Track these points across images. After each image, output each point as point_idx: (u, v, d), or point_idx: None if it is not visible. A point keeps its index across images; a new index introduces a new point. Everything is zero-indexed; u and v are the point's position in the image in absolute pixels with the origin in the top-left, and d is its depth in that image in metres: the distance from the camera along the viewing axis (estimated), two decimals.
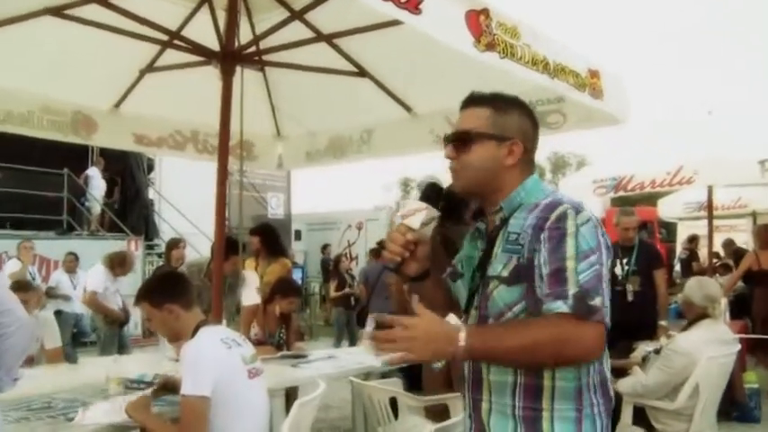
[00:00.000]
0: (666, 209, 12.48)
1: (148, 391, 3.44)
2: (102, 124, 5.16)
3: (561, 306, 1.62)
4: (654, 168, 7.16)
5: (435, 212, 1.89)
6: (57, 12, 4.04)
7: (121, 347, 7.98)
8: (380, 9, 2.50)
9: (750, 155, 6.78)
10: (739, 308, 8.55)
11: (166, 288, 3.26)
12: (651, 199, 12.65)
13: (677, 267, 14.39)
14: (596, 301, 1.63)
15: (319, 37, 4.43)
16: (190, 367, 2.88)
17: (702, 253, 13.78)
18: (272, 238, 6.42)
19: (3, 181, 14.20)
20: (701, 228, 14.02)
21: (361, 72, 4.74)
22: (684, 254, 13.38)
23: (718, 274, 9.77)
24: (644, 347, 5.00)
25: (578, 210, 1.72)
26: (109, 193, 15.98)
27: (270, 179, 18.54)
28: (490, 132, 1.86)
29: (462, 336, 1.61)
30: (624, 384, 4.35)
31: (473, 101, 1.93)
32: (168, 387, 3.48)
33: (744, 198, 11.11)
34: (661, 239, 18.64)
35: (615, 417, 4.26)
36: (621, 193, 7.44)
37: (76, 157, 14.78)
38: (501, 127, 1.87)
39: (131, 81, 4.97)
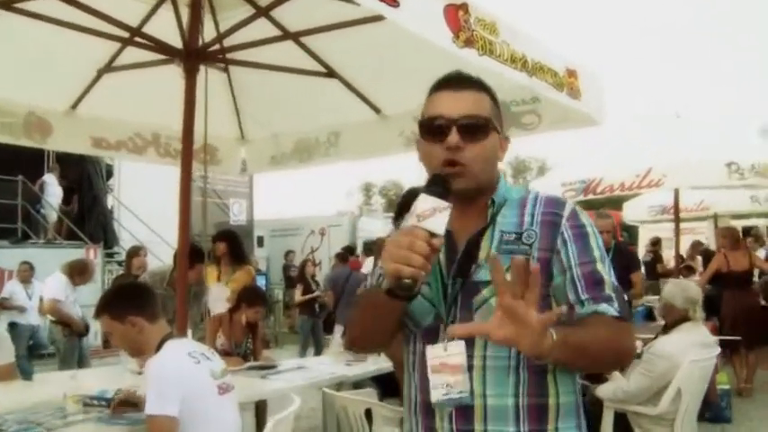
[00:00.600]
0: (631, 212, 12.61)
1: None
2: (57, 127, 4.91)
3: (610, 309, 1.52)
4: (623, 171, 7.15)
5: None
6: (7, 5, 3.81)
7: (81, 359, 7.71)
8: (359, 0, 2.36)
9: (717, 157, 6.83)
10: (708, 309, 8.59)
11: (129, 299, 3.05)
12: (614, 202, 12.73)
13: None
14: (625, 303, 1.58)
15: (286, 35, 4.28)
16: (155, 384, 2.69)
17: (666, 255, 13.89)
18: (236, 245, 6.29)
19: None
20: (661, 231, 14.18)
21: (330, 72, 4.59)
22: (648, 256, 13.47)
23: (681, 276, 9.82)
24: None
25: (580, 209, 1.65)
26: (66, 201, 15.57)
27: (232, 185, 18.27)
28: (496, 124, 1.65)
29: (552, 331, 1.39)
30: (604, 390, 4.28)
31: (470, 83, 1.67)
32: (129, 403, 3.29)
33: (706, 201, 11.26)
34: (623, 243, 18.83)
35: (596, 423, 4.18)
36: (591, 197, 7.40)
37: (32, 162, 14.38)
38: (498, 117, 1.68)
39: (89, 81, 4.75)
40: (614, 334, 1.52)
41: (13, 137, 4.71)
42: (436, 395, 1.56)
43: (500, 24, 3.08)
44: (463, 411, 1.56)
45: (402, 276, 1.39)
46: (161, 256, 11.41)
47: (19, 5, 3.83)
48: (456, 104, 1.61)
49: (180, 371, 2.76)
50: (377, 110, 4.87)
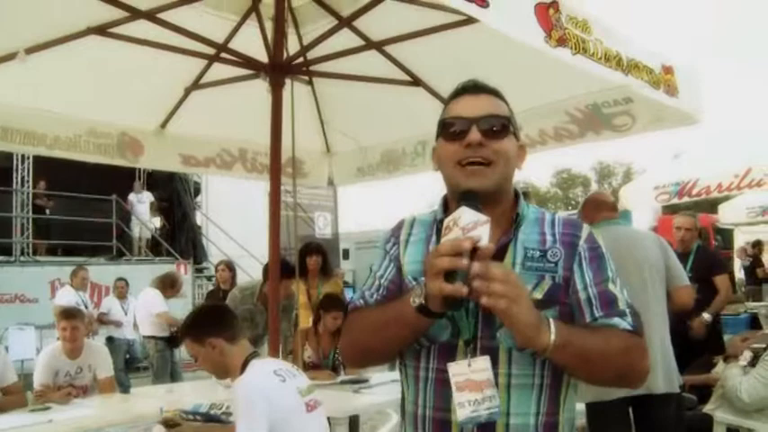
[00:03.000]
0: (727, 214, 12.04)
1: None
2: (148, 146, 5.04)
3: (622, 323, 1.54)
4: (720, 171, 6.82)
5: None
6: (101, 30, 3.93)
7: (173, 373, 7.88)
8: (447, 2, 2.29)
9: None
10: None
11: (207, 322, 3.06)
12: (709, 205, 12.21)
13: (740, 275, 13.84)
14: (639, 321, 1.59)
15: (369, 45, 4.25)
16: (243, 408, 2.67)
17: (766, 259, 13.22)
18: (327, 258, 6.32)
19: (53, 209, 14.39)
20: (758, 234, 13.50)
21: (415, 80, 4.53)
22: (747, 260, 12.83)
23: None
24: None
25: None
26: (160, 218, 16.12)
27: (316, 198, 18.44)
28: (515, 127, 1.66)
29: (552, 327, 1.43)
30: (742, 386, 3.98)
31: (487, 89, 1.68)
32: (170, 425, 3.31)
33: None
34: (717, 247, 18.08)
35: None
36: (686, 199, 7.09)
37: (125, 182, 14.95)
38: (516, 126, 1.68)
39: (177, 99, 4.85)
40: (624, 348, 1.52)
41: (108, 157, 4.84)
42: (463, 413, 1.49)
43: (592, 22, 2.96)
44: (484, 430, 1.52)
45: (446, 292, 1.36)
46: (249, 270, 11.58)
47: (112, 30, 3.94)
48: (476, 105, 1.61)
49: (267, 390, 2.73)
50: None
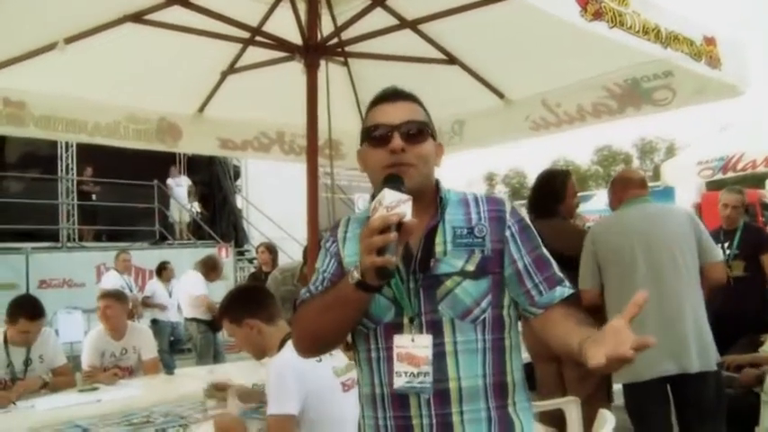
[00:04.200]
0: None
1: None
2: (186, 130, 5.11)
3: (564, 291, 1.73)
4: (766, 144, 6.65)
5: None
6: (136, 18, 3.98)
7: (216, 354, 8.00)
8: None
9: None
10: None
11: (244, 303, 3.09)
12: (757, 180, 11.89)
13: None
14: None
15: (403, 23, 4.22)
16: (275, 383, 2.68)
17: None
18: None
19: (98, 195, 14.67)
20: None
21: (450, 59, 4.50)
22: None
23: None
24: None
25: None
26: (200, 202, 16.31)
27: (356, 179, 18.44)
28: (431, 129, 1.80)
29: None
30: None
31: (404, 96, 1.81)
32: (219, 388, 3.36)
33: None
34: (765, 222, 17.67)
35: (754, 421, 3.89)
36: (731, 174, 6.93)
37: (165, 167, 15.18)
38: (430, 125, 1.81)
39: (213, 84, 4.89)
40: (586, 320, 1.65)
41: (147, 142, 4.93)
42: (399, 381, 1.66)
43: None
44: (440, 396, 1.66)
45: (378, 264, 1.47)
46: (290, 252, 11.68)
47: (147, 17, 3.98)
48: (396, 113, 1.75)
49: (299, 370, 2.70)
50: (500, 95, 4.74)
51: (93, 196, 14.98)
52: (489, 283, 1.70)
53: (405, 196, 1.52)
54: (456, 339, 1.67)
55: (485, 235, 1.72)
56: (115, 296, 5.13)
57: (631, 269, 3.70)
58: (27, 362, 4.36)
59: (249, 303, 3.07)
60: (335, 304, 1.65)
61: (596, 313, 3.76)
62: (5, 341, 4.31)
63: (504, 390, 1.72)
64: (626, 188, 3.97)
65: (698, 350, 3.55)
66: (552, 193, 4.32)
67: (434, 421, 1.66)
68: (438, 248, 1.71)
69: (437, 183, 1.83)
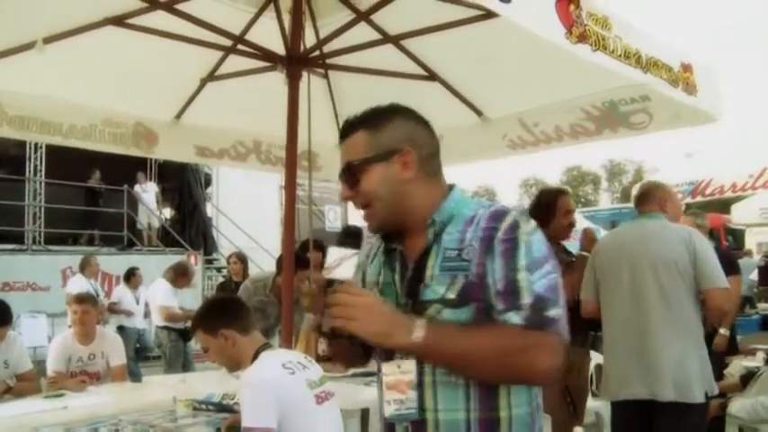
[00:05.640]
0: (740, 214, 11.98)
1: None
2: (162, 136, 5.05)
3: (513, 317, 1.52)
4: (735, 171, 6.80)
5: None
6: (118, 21, 3.94)
7: (186, 363, 7.92)
8: None
9: None
10: None
11: (220, 313, 3.05)
12: (722, 205, 12.14)
13: (752, 276, 13.76)
14: (553, 312, 1.53)
15: (386, 38, 4.24)
16: (250, 396, 2.66)
17: None
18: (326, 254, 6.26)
19: (65, 198, 14.46)
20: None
21: (431, 75, 4.53)
22: (763, 261, 12.72)
23: None
24: (740, 363, 4.63)
25: (526, 217, 1.63)
26: (171, 209, 16.18)
27: (327, 191, 18.44)
28: (371, 155, 1.67)
29: (420, 329, 1.49)
30: (738, 407, 4.00)
31: (345, 130, 1.74)
32: (234, 428, 3.29)
33: None
34: (728, 247, 18.02)
35: None
36: (699, 198, 7.08)
37: (134, 173, 15.02)
38: (380, 144, 1.68)
39: (192, 91, 4.86)
40: (515, 347, 1.51)
41: (123, 147, 4.86)
42: (389, 410, 1.63)
43: (612, 19, 2.95)
44: (417, 426, 1.62)
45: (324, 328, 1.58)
46: (259, 262, 11.61)
47: (129, 21, 3.95)
48: (341, 157, 1.73)
49: (274, 382, 2.71)
50: (479, 113, 4.78)
51: (100, 201, 14.89)
52: (472, 312, 1.56)
53: (350, 252, 1.61)
54: (435, 370, 1.61)
55: (472, 258, 1.58)
56: (92, 301, 5.07)
57: (617, 288, 3.69)
58: None
59: (225, 314, 3.03)
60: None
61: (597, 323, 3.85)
62: None
63: (495, 426, 1.59)
64: (641, 203, 3.93)
65: (675, 379, 3.42)
66: (538, 210, 4.24)
67: None
68: (428, 273, 1.62)
69: (446, 196, 1.70)
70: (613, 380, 3.67)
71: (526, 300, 1.52)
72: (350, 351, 1.88)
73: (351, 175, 1.68)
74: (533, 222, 1.62)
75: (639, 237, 3.78)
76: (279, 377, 2.75)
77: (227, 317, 3.00)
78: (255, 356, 2.88)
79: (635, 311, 3.56)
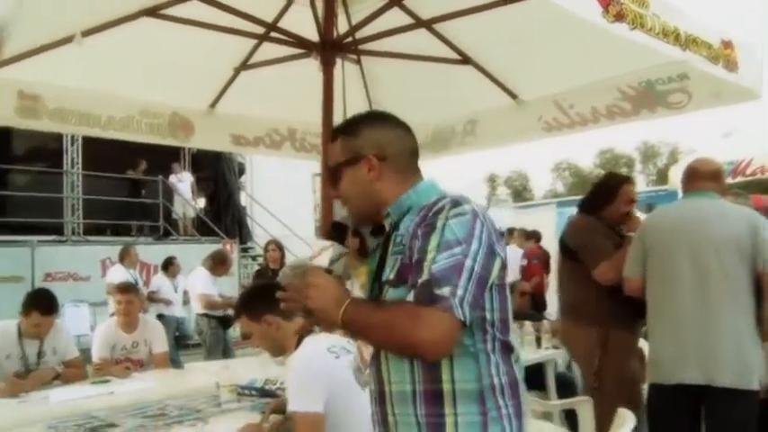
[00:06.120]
0: None
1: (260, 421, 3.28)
2: (198, 126, 5.13)
3: (410, 294, 1.62)
4: None
5: (343, 249, 1.87)
6: (152, 12, 3.99)
7: (226, 350, 8.00)
8: None
9: None
10: None
11: (263, 298, 3.04)
12: (761, 187, 11.88)
13: None
14: (444, 291, 1.56)
15: (419, 23, 4.24)
16: (297, 381, 2.66)
17: None
18: (365, 239, 6.29)
19: (102, 189, 14.68)
20: None
21: (464, 59, 4.51)
22: None
23: None
24: None
25: (456, 203, 1.70)
26: (205, 198, 16.33)
27: None
28: (343, 159, 1.88)
29: (347, 305, 1.66)
30: None
31: (331, 136, 1.96)
32: (279, 411, 3.33)
33: None
34: None
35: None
36: (740, 179, 6.93)
37: (170, 163, 15.20)
38: (351, 150, 1.88)
39: (226, 80, 4.90)
40: (396, 320, 1.60)
41: (160, 137, 4.94)
42: (360, 378, 1.97)
43: None
44: (380, 396, 1.82)
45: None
46: (293, 249, 11.68)
47: (163, 11, 3.99)
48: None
49: (321, 367, 2.71)
50: (513, 95, 4.75)
51: (143, 191, 15.16)
52: (406, 292, 1.64)
53: (327, 243, 1.83)
54: None
55: (406, 242, 1.72)
56: (135, 291, 5.18)
57: (676, 271, 3.48)
58: (40, 354, 4.38)
59: (268, 299, 3.02)
60: None
61: (639, 302, 3.69)
62: (19, 333, 4.34)
63: (438, 398, 1.68)
64: (691, 180, 3.71)
65: (734, 364, 3.31)
66: (600, 193, 4.22)
67: (379, 418, 1.83)
68: (386, 259, 1.80)
69: (406, 191, 1.84)
70: (665, 363, 3.52)
71: (423, 278, 1.60)
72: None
73: (332, 177, 1.92)
74: (465, 207, 1.68)
75: (700, 217, 3.53)
76: (325, 361, 2.76)
77: (270, 302, 2.99)
78: (299, 341, 2.89)
79: (695, 294, 3.39)
